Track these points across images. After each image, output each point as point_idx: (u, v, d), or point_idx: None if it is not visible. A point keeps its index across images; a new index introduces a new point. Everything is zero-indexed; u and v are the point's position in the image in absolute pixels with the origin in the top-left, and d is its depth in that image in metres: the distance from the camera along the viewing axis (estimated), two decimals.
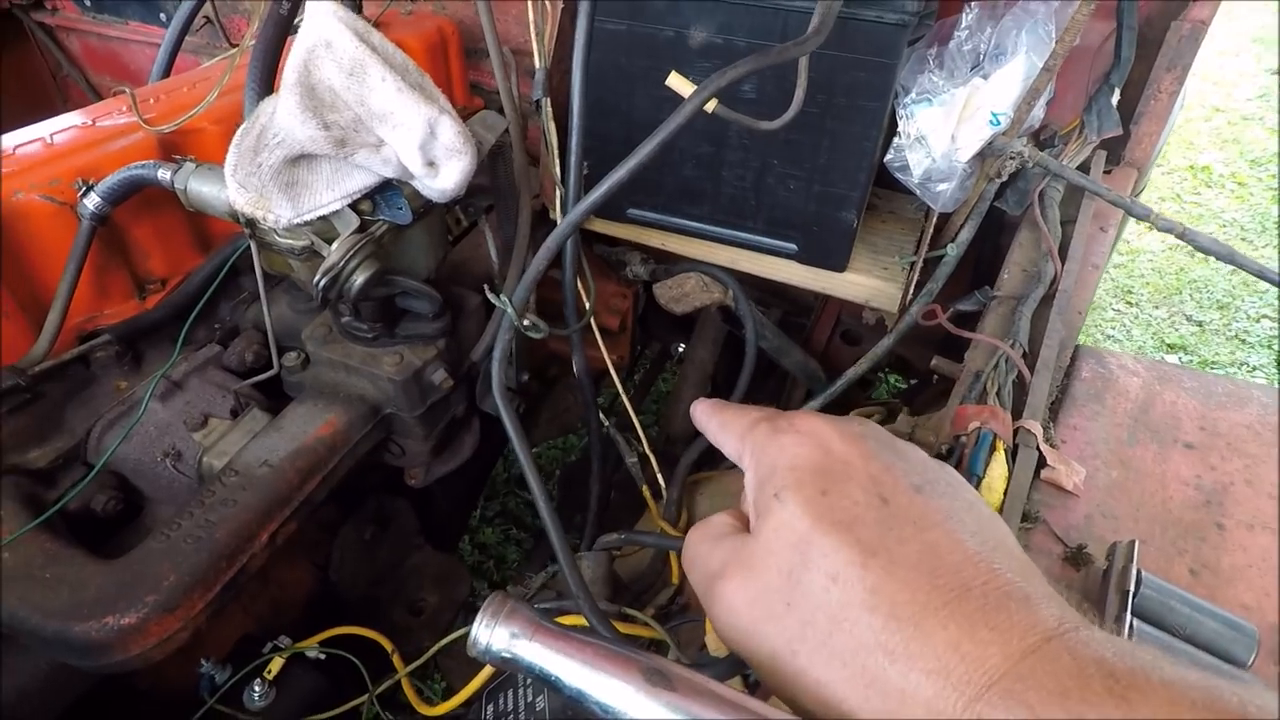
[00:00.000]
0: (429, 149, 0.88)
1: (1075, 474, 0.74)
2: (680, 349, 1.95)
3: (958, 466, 0.73)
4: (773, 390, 1.99)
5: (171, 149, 1.12)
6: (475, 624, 0.50)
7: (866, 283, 1.19)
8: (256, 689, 1.05)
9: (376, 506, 1.48)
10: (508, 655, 0.43)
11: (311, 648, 1.13)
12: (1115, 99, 1.10)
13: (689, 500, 1.14)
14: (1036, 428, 0.76)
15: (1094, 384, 0.87)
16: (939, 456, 0.77)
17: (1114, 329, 3.32)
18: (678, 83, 0.79)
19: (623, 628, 0.78)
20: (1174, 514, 0.74)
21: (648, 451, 1.17)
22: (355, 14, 0.86)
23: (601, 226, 1.33)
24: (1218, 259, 1.03)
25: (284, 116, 0.84)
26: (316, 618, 1.41)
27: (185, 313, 1.09)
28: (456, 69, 1.65)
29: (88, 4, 2.10)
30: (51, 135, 1.07)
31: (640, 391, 2.23)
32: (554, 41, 1.21)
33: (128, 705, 1.12)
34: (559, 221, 1.13)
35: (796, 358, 1.58)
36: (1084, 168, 1.18)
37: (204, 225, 1.20)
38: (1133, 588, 0.59)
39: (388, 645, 1.05)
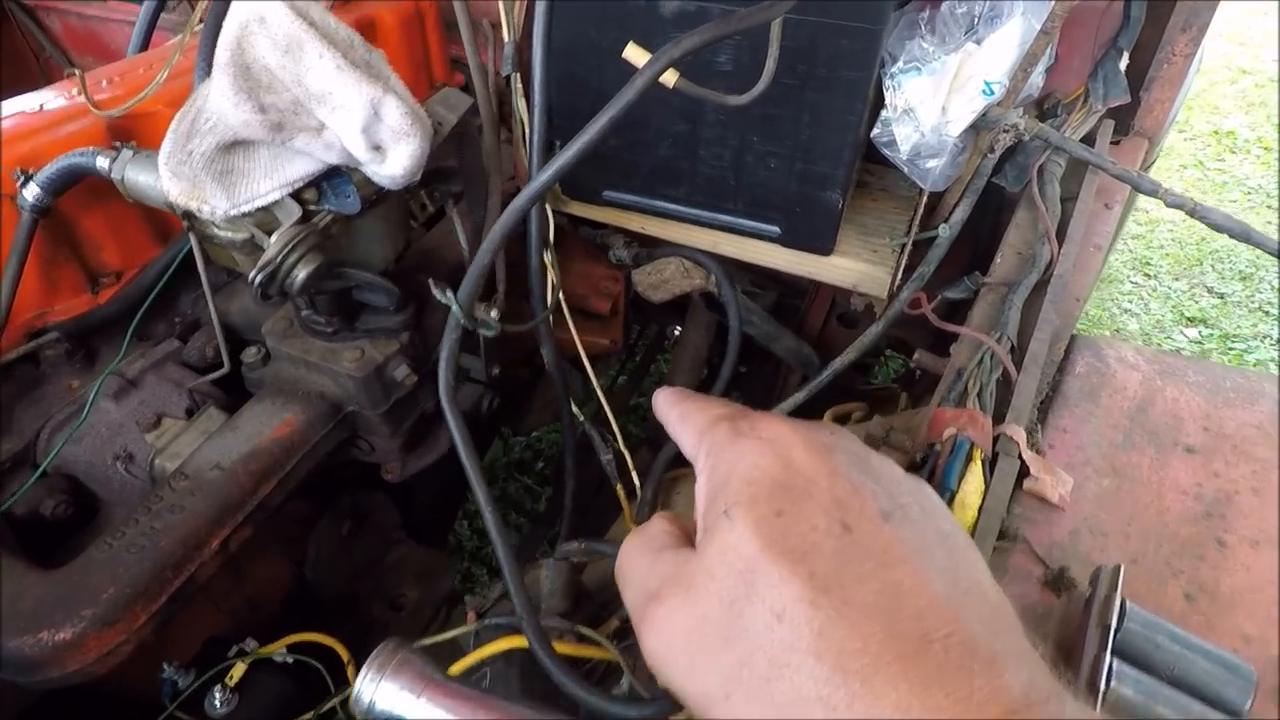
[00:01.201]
0: (373, 132, 0.82)
1: (1061, 484, 0.68)
2: (676, 332, 1.89)
3: (930, 478, 0.67)
4: (768, 377, 1.93)
5: (123, 134, 1.07)
6: (360, 676, 0.46)
7: (854, 266, 1.13)
8: (218, 695, 1.02)
9: (353, 501, 1.44)
10: (393, 716, 0.38)
11: (279, 651, 1.11)
12: (1123, 64, 1.01)
13: (666, 500, 1.09)
14: (1019, 433, 0.69)
15: (1089, 380, 0.80)
16: (912, 466, 0.71)
17: (1130, 302, 3.21)
18: (634, 54, 0.72)
19: (572, 649, 0.74)
20: (1170, 528, 0.67)
21: (622, 448, 1.12)
22: None
23: (579, 210, 1.27)
24: (1231, 236, 0.95)
25: (217, 99, 0.78)
26: (295, 615, 1.39)
27: (140, 307, 1.05)
28: (435, 44, 1.58)
29: None
30: None
31: (637, 376, 2.18)
32: (525, 14, 1.14)
33: (91, 709, 1.10)
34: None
35: (788, 343, 1.51)
36: (1089, 139, 1.09)
37: (161, 214, 1.14)
38: (1114, 622, 0.53)
39: (344, 654, 1.01)
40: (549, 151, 0.99)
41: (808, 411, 1.30)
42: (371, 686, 0.40)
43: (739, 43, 0.95)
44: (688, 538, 0.41)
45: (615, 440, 1.15)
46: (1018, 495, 0.70)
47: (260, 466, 0.97)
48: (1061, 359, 0.83)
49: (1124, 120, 1.14)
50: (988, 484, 0.66)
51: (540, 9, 0.88)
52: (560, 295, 1.14)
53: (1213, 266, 3.29)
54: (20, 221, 0.94)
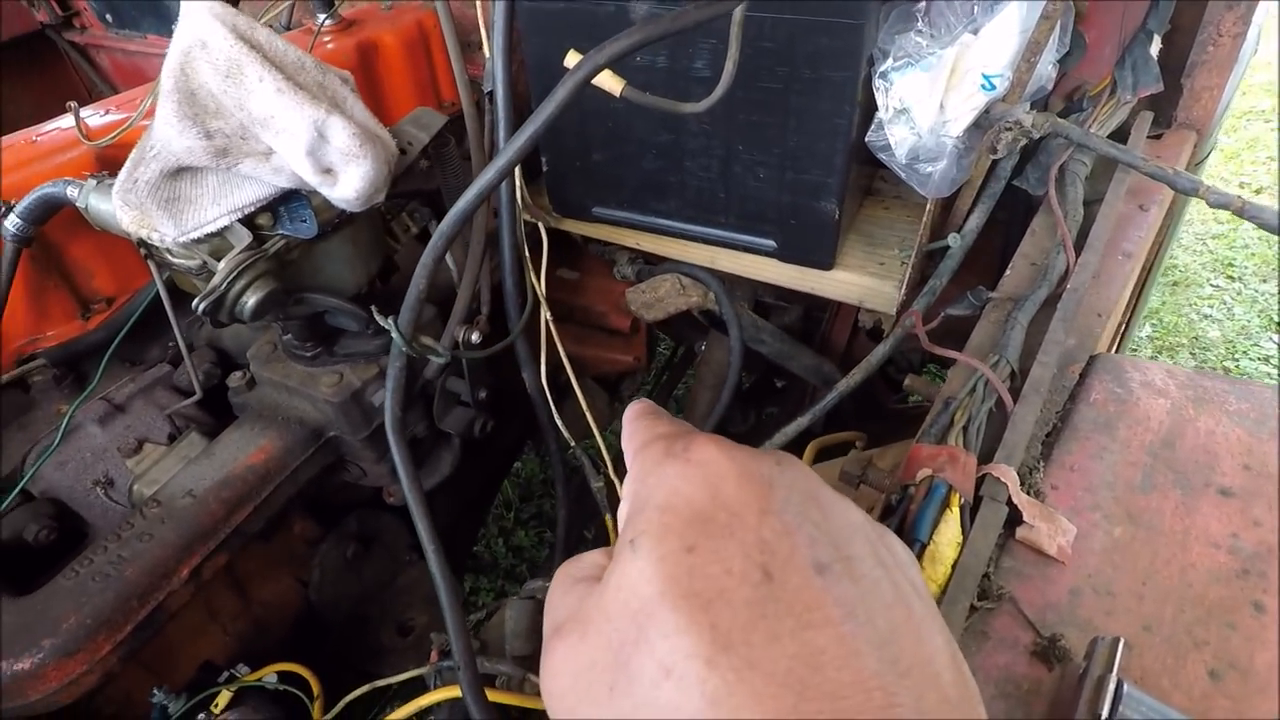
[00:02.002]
0: (320, 154, 0.79)
1: (1061, 533, 0.59)
2: (702, 348, 1.82)
3: (901, 525, 0.59)
4: (800, 396, 1.84)
5: (111, 165, 1.08)
6: None
7: (858, 281, 1.04)
8: None
9: (360, 523, 1.43)
10: None
11: (269, 678, 1.09)
12: (1155, 48, 0.90)
13: None
14: (1010, 475, 0.60)
15: (1106, 408, 0.70)
16: (887, 510, 0.63)
17: (1211, 307, 2.96)
18: (572, 59, 0.67)
19: (516, 699, 0.68)
20: (1195, 589, 0.57)
21: (613, 476, 1.06)
22: (235, 10, 0.78)
23: (571, 226, 1.22)
24: None
25: (161, 126, 0.77)
26: (303, 638, 1.38)
27: (122, 332, 1.05)
28: (441, 63, 1.56)
29: (109, 19, 2.14)
30: None
31: (663, 394, 2.12)
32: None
33: None
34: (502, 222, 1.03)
35: (806, 360, 1.43)
36: (1121, 134, 0.98)
37: None
38: (1106, 710, 0.44)
39: (315, 688, 0.98)
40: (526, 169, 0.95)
41: (826, 433, 1.22)
42: None
43: (716, 46, 0.88)
44: None
45: (605, 467, 1.09)
46: (1009, 546, 0.60)
47: (233, 494, 0.95)
48: (1075, 384, 0.73)
49: (1165, 111, 1.03)
50: (966, 534, 0.57)
51: (497, 17, 0.84)
52: (547, 313, 1.09)
53: None
54: (4, 252, 0.95)
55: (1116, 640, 0.49)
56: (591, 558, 0.38)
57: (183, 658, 1.18)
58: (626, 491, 0.36)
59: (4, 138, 1.09)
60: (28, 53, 2.20)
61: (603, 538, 1.23)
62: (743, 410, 1.89)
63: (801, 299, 1.61)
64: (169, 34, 2.23)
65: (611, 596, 0.31)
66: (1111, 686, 0.46)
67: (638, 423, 0.40)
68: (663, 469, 0.34)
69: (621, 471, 1.09)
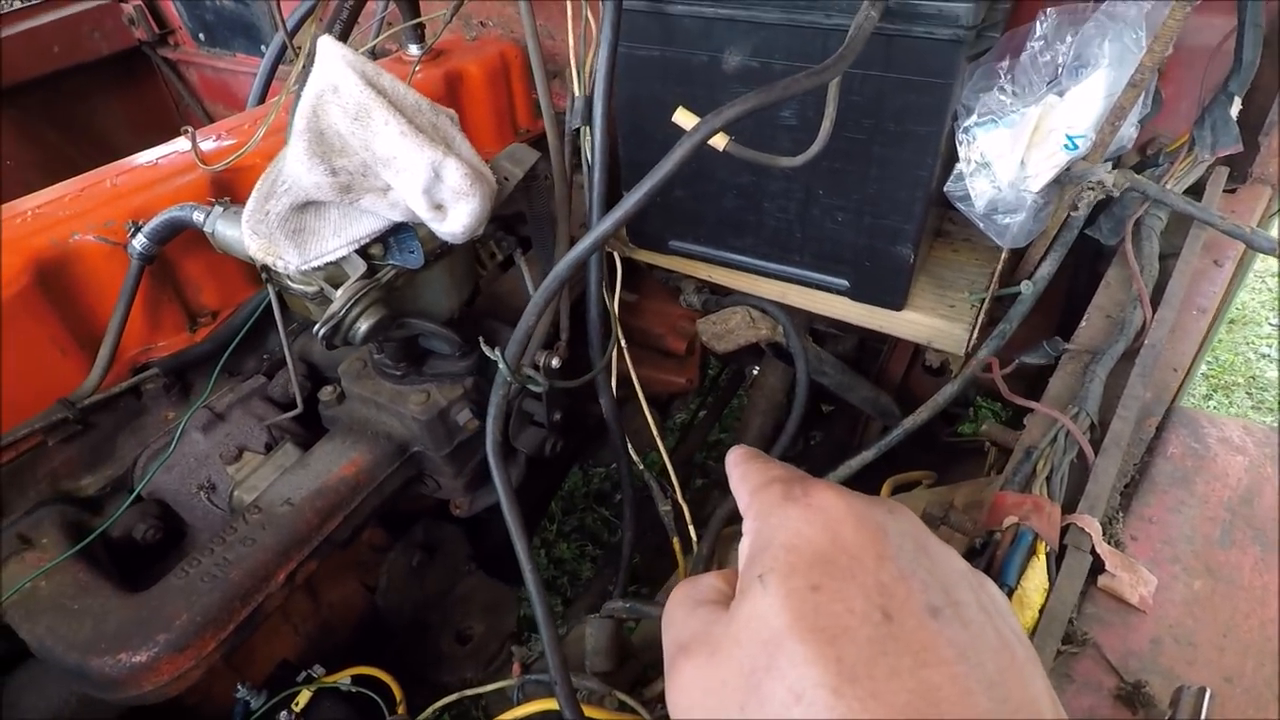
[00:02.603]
0: (434, 192, 0.85)
1: (1143, 583, 0.61)
2: (754, 371, 1.85)
3: (988, 568, 0.62)
4: (852, 417, 1.86)
5: (226, 187, 1.16)
6: None
7: (928, 322, 1.07)
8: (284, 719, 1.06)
9: (425, 532, 1.48)
10: None
11: (343, 680, 1.14)
12: (1236, 109, 0.92)
13: (723, 555, 1.06)
14: (1093, 525, 0.63)
15: (1183, 463, 0.72)
16: (971, 551, 0.66)
17: (1269, 346, 2.92)
18: (683, 118, 0.72)
19: (606, 715, 0.72)
20: (1275, 643, 0.59)
21: (681, 500, 1.09)
22: (364, 58, 0.84)
23: (646, 258, 1.27)
24: None
25: (292, 163, 0.83)
26: (365, 641, 1.43)
27: (229, 345, 1.12)
28: (520, 92, 1.63)
29: (202, 38, 2.25)
30: (116, 176, 1.12)
31: (712, 415, 2.15)
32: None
33: None
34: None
35: (864, 393, 1.45)
36: (1197, 189, 1.00)
37: None
38: None
39: (398, 693, 1.03)
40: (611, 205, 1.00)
41: (885, 466, 1.24)
42: None
43: (804, 97, 0.93)
44: (733, 592, 0.40)
45: (674, 491, 1.13)
46: (1091, 594, 0.63)
47: (327, 503, 1.01)
48: (1152, 437, 0.75)
49: (1241, 166, 1.04)
50: (1053, 581, 0.60)
51: (601, 68, 0.89)
52: (622, 344, 1.14)
53: None
54: (129, 268, 1.03)
55: (1203, 690, 0.52)
56: (709, 581, 0.42)
57: (258, 655, 1.24)
58: (748, 529, 0.40)
59: (127, 159, 1.18)
60: (124, 68, 2.33)
61: (651, 562, 1.26)
62: (790, 435, 1.91)
63: (858, 329, 1.64)
64: (258, 53, 2.33)
65: (742, 625, 0.35)
66: None
67: (748, 465, 0.44)
68: (785, 511, 0.38)
69: (687, 495, 1.13)
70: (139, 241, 1.01)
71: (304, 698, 1.10)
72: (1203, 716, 0.49)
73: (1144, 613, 0.61)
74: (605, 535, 2.55)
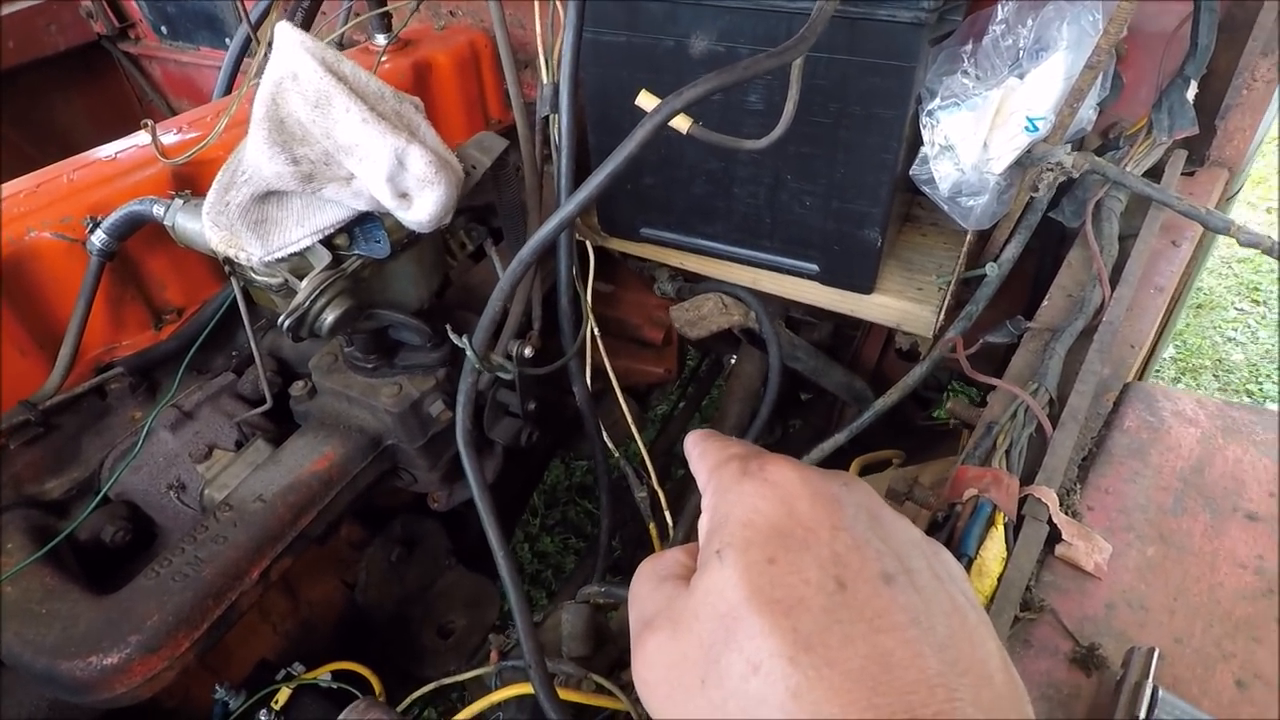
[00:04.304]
0: (399, 181, 0.84)
1: (1098, 551, 0.63)
2: (733, 361, 1.86)
3: (949, 540, 0.63)
4: (824, 409, 1.88)
5: (187, 180, 1.14)
6: None
7: (897, 305, 1.08)
8: (263, 718, 1.06)
9: (404, 527, 1.48)
10: None
11: (323, 677, 1.14)
12: (1191, 93, 0.94)
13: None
14: (1050, 496, 0.64)
15: (1139, 435, 0.74)
16: (933, 525, 0.67)
17: (1236, 330, 2.98)
18: (645, 100, 0.72)
19: (583, 697, 0.73)
20: (1223, 605, 0.61)
21: (656, 487, 1.10)
22: (324, 44, 0.83)
23: (618, 246, 1.27)
24: None
25: (252, 153, 0.82)
26: (347, 639, 1.43)
27: (197, 342, 1.11)
28: (490, 82, 1.62)
29: (164, 32, 2.21)
30: (73, 171, 1.10)
31: (691, 405, 2.16)
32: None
33: None
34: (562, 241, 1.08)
35: (838, 377, 1.47)
36: (1155, 171, 1.02)
37: None
38: (1143, 713, 0.48)
39: (377, 687, 1.03)
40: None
41: (860, 451, 1.26)
42: None
43: (770, 82, 0.93)
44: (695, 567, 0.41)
45: (650, 478, 1.14)
46: (1049, 562, 0.64)
47: (300, 499, 1.00)
48: (1110, 411, 0.77)
49: (1198, 149, 1.06)
50: (1010, 550, 0.62)
51: (567, 51, 0.89)
52: (595, 331, 1.14)
53: None
54: (89, 265, 1.01)
55: (1152, 650, 0.53)
56: (674, 555, 0.42)
57: (237, 656, 1.23)
58: (706, 505, 0.40)
59: (86, 154, 1.16)
60: (83, 62, 2.28)
61: (632, 552, 1.27)
62: (769, 423, 1.93)
63: (832, 316, 1.66)
64: (222, 46, 2.29)
65: (700, 600, 0.36)
66: (1148, 692, 0.50)
67: (706, 444, 0.45)
68: (741, 486, 0.39)
69: (664, 482, 1.13)
70: (98, 237, 1.00)
71: (284, 696, 1.09)
72: (1151, 675, 0.51)
73: (1099, 579, 0.63)
74: (588, 528, 2.55)
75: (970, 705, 0.30)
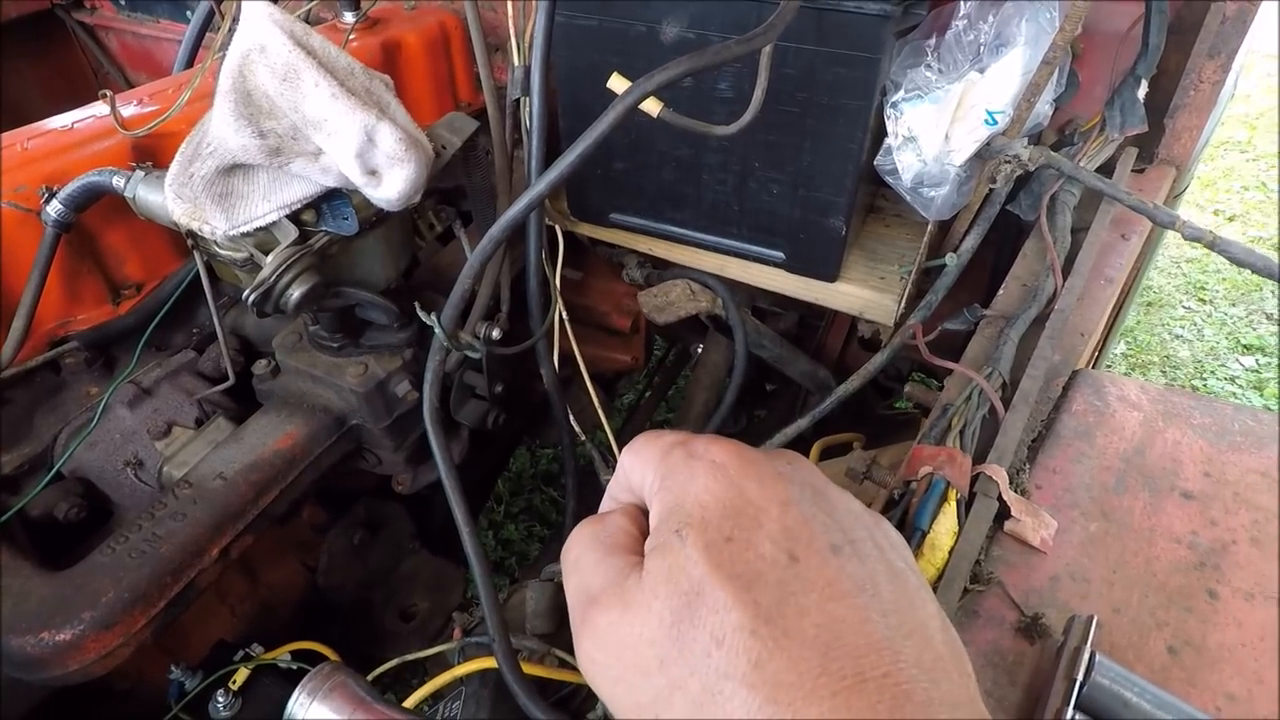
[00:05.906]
0: (368, 157, 0.84)
1: (1044, 526, 0.66)
2: (699, 350, 1.88)
3: (904, 516, 0.65)
4: (789, 399, 1.91)
5: (148, 153, 1.11)
6: (293, 698, 0.47)
7: (860, 293, 1.11)
8: (220, 699, 1.05)
9: (367, 510, 1.47)
10: None
11: (283, 657, 1.13)
12: (1142, 92, 0.98)
13: None
14: (1000, 474, 0.67)
15: (1085, 419, 0.77)
16: (889, 503, 0.70)
17: (1183, 328, 3.09)
18: (617, 84, 0.73)
19: (546, 672, 0.74)
20: (1159, 577, 0.64)
21: None
22: (293, 17, 0.82)
23: (588, 231, 1.27)
24: (1254, 271, 0.91)
25: (218, 125, 0.81)
26: (308, 621, 1.42)
27: (156, 318, 1.09)
28: (460, 64, 1.61)
29: (122, 3, 2.14)
30: (27, 140, 1.07)
31: (657, 395, 2.18)
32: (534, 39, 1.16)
33: (104, 705, 1.14)
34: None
35: (803, 366, 1.50)
36: (1107, 167, 1.06)
37: None
38: (1080, 675, 0.51)
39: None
40: None
41: (818, 436, 1.28)
42: (303, 708, 0.41)
43: (739, 70, 0.94)
44: (644, 539, 0.40)
45: (616, 462, 1.15)
46: (998, 537, 0.67)
47: (261, 477, 0.99)
48: (1059, 396, 0.80)
49: (1148, 147, 1.11)
50: (961, 525, 0.64)
51: (539, 33, 0.89)
52: (563, 315, 1.15)
53: (1272, 292, 3.14)
54: (44, 236, 0.98)
55: (1090, 619, 0.56)
56: (617, 522, 0.41)
57: (193, 638, 1.22)
58: (658, 489, 0.40)
59: (41, 123, 1.12)
60: (34, 31, 2.20)
61: None
62: (734, 412, 1.95)
63: (797, 306, 1.68)
64: (183, 19, 2.23)
65: (660, 577, 0.36)
66: (1085, 657, 0.53)
67: (645, 439, 0.45)
68: (690, 469, 0.39)
69: None
70: (54, 208, 0.97)
71: (241, 676, 1.08)
72: (1089, 641, 0.54)
73: (1044, 553, 0.66)
74: (553, 515, 2.56)
75: (913, 666, 0.32)
